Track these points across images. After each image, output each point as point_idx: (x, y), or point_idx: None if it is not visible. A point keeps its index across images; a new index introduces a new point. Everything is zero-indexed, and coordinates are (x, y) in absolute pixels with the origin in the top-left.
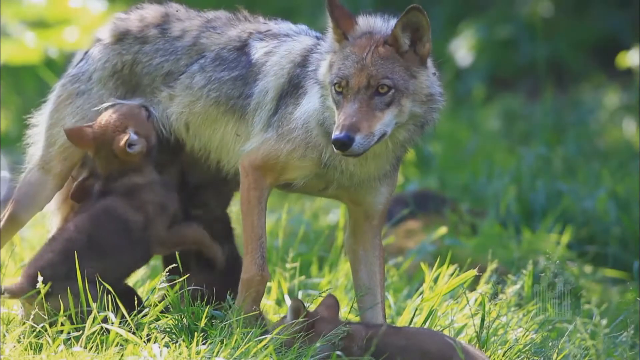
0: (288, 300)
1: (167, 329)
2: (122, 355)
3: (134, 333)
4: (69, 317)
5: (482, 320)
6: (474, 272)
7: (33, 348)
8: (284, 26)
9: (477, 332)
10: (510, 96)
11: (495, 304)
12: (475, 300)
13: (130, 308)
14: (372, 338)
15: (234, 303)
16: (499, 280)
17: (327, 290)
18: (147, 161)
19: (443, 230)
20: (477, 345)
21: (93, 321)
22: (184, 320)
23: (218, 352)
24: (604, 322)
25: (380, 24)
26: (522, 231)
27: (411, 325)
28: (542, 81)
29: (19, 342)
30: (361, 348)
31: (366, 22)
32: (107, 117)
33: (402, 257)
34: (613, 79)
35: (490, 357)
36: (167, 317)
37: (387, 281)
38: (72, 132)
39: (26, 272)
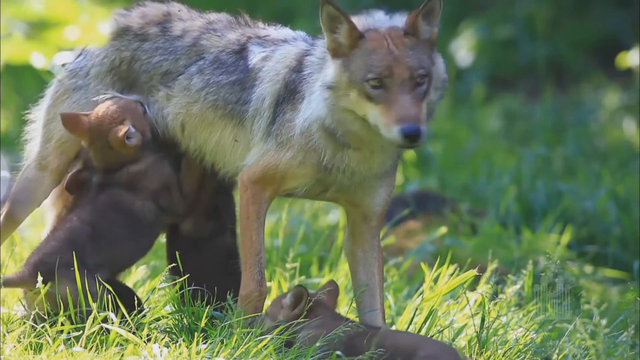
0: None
1: (167, 329)
2: (122, 355)
3: (134, 333)
4: (69, 317)
5: (482, 320)
6: (474, 272)
7: (33, 348)
8: (283, 32)
9: (477, 332)
10: (510, 96)
11: (495, 304)
12: (476, 300)
13: (130, 308)
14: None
15: (234, 303)
16: (499, 280)
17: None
18: (142, 152)
19: (443, 230)
20: (478, 345)
21: (93, 321)
22: (184, 320)
23: (218, 352)
24: (604, 322)
25: (382, 18)
26: (522, 231)
27: (409, 326)
28: (542, 81)
29: (19, 342)
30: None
31: (361, 20)
32: (104, 108)
33: (402, 257)
34: (613, 79)
35: (490, 357)
36: (167, 317)
37: (387, 281)
38: (68, 118)
39: (28, 261)
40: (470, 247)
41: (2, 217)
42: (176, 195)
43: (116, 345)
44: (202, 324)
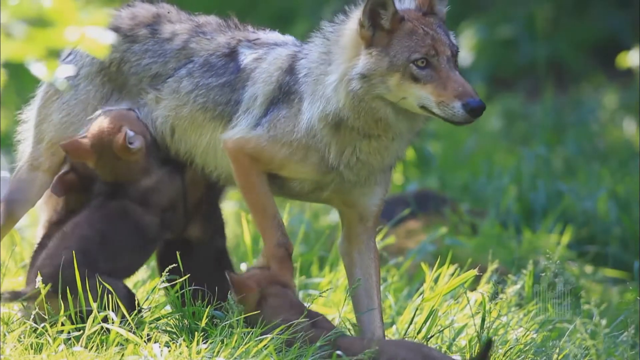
0: None
1: (168, 329)
2: (123, 355)
3: (134, 333)
4: (69, 317)
5: (483, 320)
6: (474, 272)
7: (33, 348)
8: (272, 36)
9: (477, 332)
10: (510, 96)
11: (496, 304)
12: (476, 300)
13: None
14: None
15: (234, 303)
16: (500, 280)
17: (327, 290)
18: (150, 159)
19: (443, 230)
20: (478, 345)
21: (93, 321)
22: (185, 320)
23: (218, 352)
24: (604, 322)
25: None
26: (522, 231)
27: (409, 326)
28: (542, 81)
29: (19, 342)
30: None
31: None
32: (98, 123)
33: (402, 257)
34: (613, 79)
35: (491, 357)
36: (167, 317)
37: (387, 281)
38: (69, 146)
39: (42, 272)
40: (470, 247)
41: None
42: (180, 213)
43: (116, 345)
44: (203, 324)
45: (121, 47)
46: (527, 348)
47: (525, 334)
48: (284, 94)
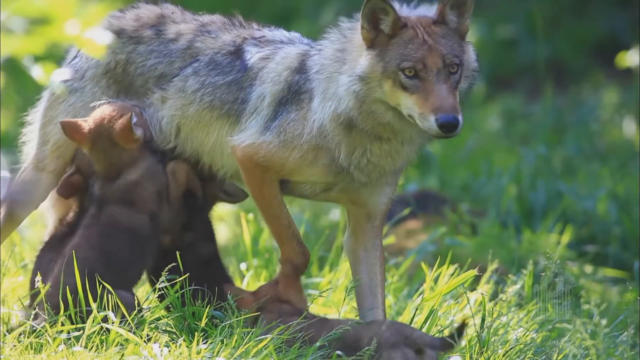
0: None
1: (168, 329)
2: (123, 355)
3: (134, 333)
4: (69, 317)
5: (483, 320)
6: (474, 272)
7: (33, 348)
8: (278, 33)
9: (477, 332)
10: (510, 96)
11: (496, 304)
12: (476, 300)
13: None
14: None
15: (234, 303)
16: (499, 280)
17: (327, 290)
18: (142, 152)
19: (443, 230)
20: (478, 344)
21: (93, 321)
22: (185, 320)
23: (218, 352)
24: (604, 322)
25: (406, 9)
26: (522, 231)
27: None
28: (542, 81)
29: (19, 342)
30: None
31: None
32: (101, 111)
33: (402, 257)
34: (613, 78)
35: (490, 357)
36: (167, 317)
37: (387, 281)
38: (68, 125)
39: (50, 302)
40: (470, 247)
41: (1, 218)
42: (165, 203)
43: (116, 345)
44: (202, 324)
45: (126, 48)
46: (527, 348)
47: (525, 334)
48: (293, 94)
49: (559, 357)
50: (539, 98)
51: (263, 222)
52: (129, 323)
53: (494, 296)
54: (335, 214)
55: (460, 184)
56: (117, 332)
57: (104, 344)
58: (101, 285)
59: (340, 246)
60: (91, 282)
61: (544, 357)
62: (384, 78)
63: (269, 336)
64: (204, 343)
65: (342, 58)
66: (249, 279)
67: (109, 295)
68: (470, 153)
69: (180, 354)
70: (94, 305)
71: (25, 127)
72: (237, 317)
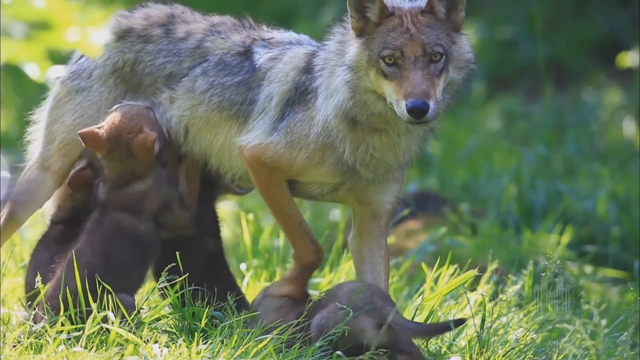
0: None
1: (167, 329)
2: (122, 355)
3: (134, 333)
4: (69, 317)
5: (483, 320)
6: (474, 272)
7: (33, 348)
8: (287, 35)
9: (477, 332)
10: (510, 96)
11: (496, 304)
12: (476, 300)
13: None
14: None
15: (234, 304)
16: (499, 280)
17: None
18: (155, 163)
19: (443, 230)
20: (478, 345)
21: (93, 321)
22: (185, 320)
23: (218, 352)
24: (604, 322)
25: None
26: (522, 231)
27: None
28: (542, 81)
29: (19, 342)
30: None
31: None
32: (118, 118)
33: (402, 257)
34: (613, 79)
35: (490, 357)
36: (167, 317)
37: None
38: (87, 135)
39: (51, 304)
40: (470, 247)
41: (3, 218)
42: (178, 210)
43: (116, 345)
44: (202, 324)
45: (135, 47)
46: (527, 348)
47: (525, 334)
48: (300, 94)
49: (559, 358)
50: (539, 98)
51: (263, 223)
52: (129, 323)
53: (494, 296)
54: (335, 214)
55: (460, 184)
56: (117, 333)
57: (104, 344)
58: (102, 288)
59: (340, 246)
60: (93, 287)
61: (544, 357)
62: (369, 66)
63: (269, 336)
64: (203, 343)
65: (341, 50)
66: (248, 279)
67: (109, 296)
68: (470, 153)
69: (180, 354)
70: (94, 306)
71: (30, 126)
72: (236, 317)
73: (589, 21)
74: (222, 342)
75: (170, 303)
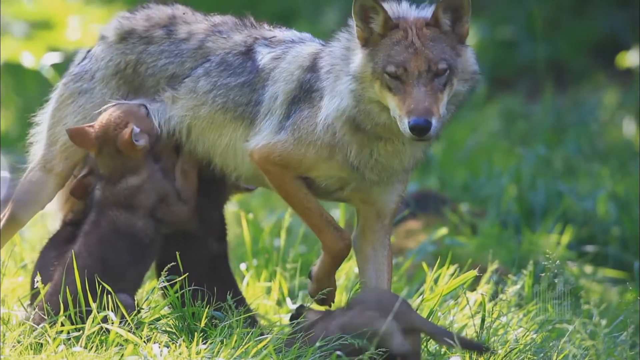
0: (289, 302)
1: (167, 329)
2: (122, 355)
3: (133, 333)
4: (69, 317)
5: (483, 320)
6: (474, 272)
7: (33, 348)
8: (289, 33)
9: (477, 332)
10: (510, 96)
11: (496, 304)
12: (476, 300)
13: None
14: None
15: (233, 304)
16: (499, 280)
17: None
18: (148, 158)
19: (443, 230)
20: None
21: (93, 321)
22: (185, 320)
23: (218, 352)
24: (604, 322)
25: (406, 9)
26: (522, 231)
27: None
28: (542, 81)
29: (19, 342)
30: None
31: (392, 8)
32: (107, 116)
33: (402, 257)
34: (613, 79)
35: (490, 357)
36: (167, 317)
37: None
38: (74, 132)
39: (48, 303)
40: (470, 247)
41: (4, 218)
42: (175, 205)
43: (116, 345)
44: (202, 324)
45: (136, 48)
46: (527, 348)
47: (525, 334)
48: (305, 92)
49: (559, 358)
50: (539, 98)
51: (263, 223)
52: (129, 323)
53: (494, 296)
54: (336, 214)
55: (460, 184)
56: (117, 333)
57: (104, 344)
58: (101, 289)
59: None
60: (91, 289)
61: (543, 357)
62: (374, 78)
63: (268, 336)
64: (203, 343)
65: (347, 57)
66: (248, 279)
67: (109, 296)
68: (470, 153)
69: (180, 354)
70: (93, 306)
71: (32, 128)
72: (236, 317)
73: (589, 21)
74: (221, 342)
75: (170, 303)
